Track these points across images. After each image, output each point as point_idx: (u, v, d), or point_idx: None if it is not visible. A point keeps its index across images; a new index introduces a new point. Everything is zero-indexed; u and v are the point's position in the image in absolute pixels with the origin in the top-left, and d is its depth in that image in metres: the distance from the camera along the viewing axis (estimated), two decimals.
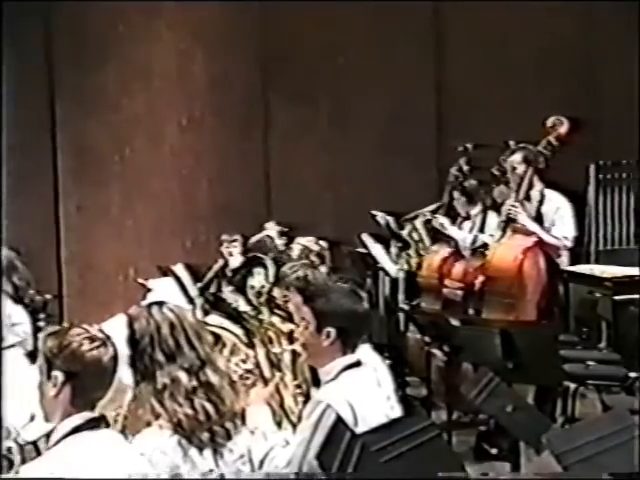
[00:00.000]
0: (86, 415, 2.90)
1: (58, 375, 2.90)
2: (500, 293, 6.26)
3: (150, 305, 3.41)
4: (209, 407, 3.26)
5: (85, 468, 2.79)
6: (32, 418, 3.28)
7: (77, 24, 9.68)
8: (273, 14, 9.59)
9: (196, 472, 3.23)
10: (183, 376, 3.25)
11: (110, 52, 9.70)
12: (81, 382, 2.91)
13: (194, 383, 3.27)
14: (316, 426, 3.51)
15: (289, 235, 8.48)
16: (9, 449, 3.65)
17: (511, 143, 6.80)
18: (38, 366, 2.97)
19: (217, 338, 3.96)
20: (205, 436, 3.25)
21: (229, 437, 3.31)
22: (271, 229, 8.71)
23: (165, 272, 7.65)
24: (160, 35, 9.78)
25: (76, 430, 2.87)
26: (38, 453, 3.97)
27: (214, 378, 3.31)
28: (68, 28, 9.73)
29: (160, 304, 3.42)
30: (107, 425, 2.95)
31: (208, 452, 3.27)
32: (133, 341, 3.29)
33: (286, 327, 3.86)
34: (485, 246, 6.79)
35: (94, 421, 2.90)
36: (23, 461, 3.74)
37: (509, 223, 6.50)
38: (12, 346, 5.05)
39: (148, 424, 3.19)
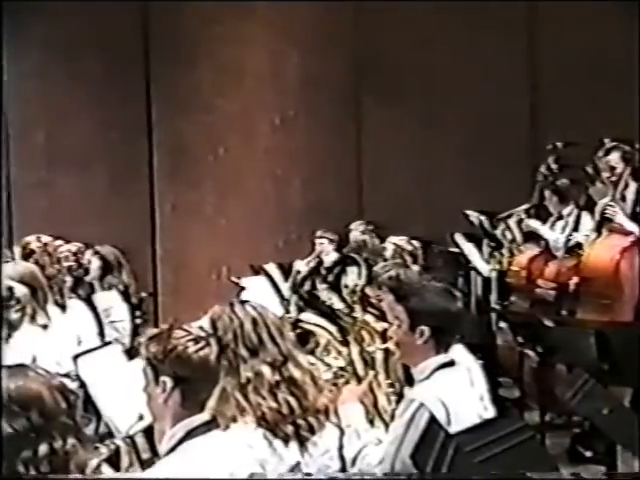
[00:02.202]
0: (199, 418, 2.88)
1: (167, 381, 2.87)
2: (596, 294, 6.17)
3: (232, 303, 3.46)
4: (292, 401, 3.29)
5: (203, 473, 2.79)
6: (141, 417, 3.33)
7: (173, 25, 9.83)
8: (366, 13, 9.60)
9: (283, 466, 3.26)
10: (266, 370, 3.29)
11: (205, 52, 9.83)
12: (190, 385, 2.87)
13: (277, 377, 3.30)
14: (409, 425, 3.51)
15: (381, 234, 8.49)
16: (117, 448, 3.71)
17: (606, 141, 6.69)
18: (142, 370, 2.94)
19: (311, 335, 3.99)
20: (289, 429, 3.27)
21: (313, 432, 3.34)
22: (358, 228, 8.73)
23: (257, 271, 7.72)
24: (254, 35, 9.87)
25: (190, 434, 2.85)
26: (135, 448, 4.04)
27: (297, 373, 3.34)
28: (164, 29, 9.88)
29: (242, 302, 3.48)
30: (217, 426, 2.94)
31: (294, 445, 3.30)
32: (216, 338, 3.33)
33: (379, 326, 3.87)
34: (579, 246, 6.69)
35: (207, 424, 2.88)
36: (130, 461, 3.80)
37: (605, 223, 6.40)
38: (109, 343, 5.15)
39: (234, 419, 3.23)
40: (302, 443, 3.31)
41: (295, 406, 3.29)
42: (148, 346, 2.93)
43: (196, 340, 2.92)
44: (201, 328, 3.02)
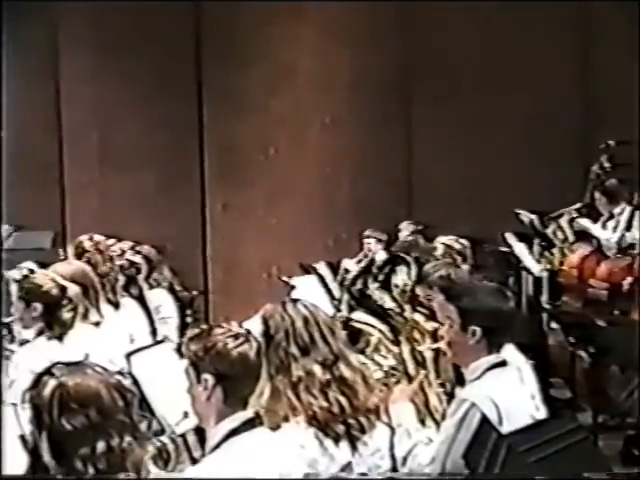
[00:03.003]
0: (242, 416, 2.90)
1: (208, 378, 2.89)
2: None
3: (284, 302, 3.48)
4: (343, 400, 3.30)
5: (247, 470, 2.81)
6: (186, 415, 3.36)
7: (225, 25, 9.89)
8: (416, 12, 9.58)
9: (334, 465, 3.27)
10: (317, 369, 3.31)
11: (256, 53, 9.87)
12: (231, 381, 2.90)
13: (328, 377, 3.32)
14: (460, 424, 3.51)
15: (430, 234, 8.47)
16: (164, 445, 3.74)
17: None
18: (184, 370, 2.98)
19: (361, 334, 4.00)
20: (340, 428, 3.29)
21: (363, 431, 3.35)
22: (408, 227, 8.71)
23: (307, 270, 7.72)
24: (304, 35, 9.89)
25: (234, 432, 2.87)
26: (187, 446, 4.07)
27: (347, 373, 3.35)
28: (216, 29, 9.94)
29: (294, 301, 3.50)
30: (261, 423, 2.96)
31: (345, 444, 3.30)
32: (268, 336, 3.35)
33: (429, 325, 3.87)
34: (631, 246, 6.64)
35: (250, 421, 2.90)
36: (177, 458, 3.83)
37: None
38: (162, 341, 5.19)
39: (285, 419, 3.25)
40: (353, 443, 3.32)
41: (346, 405, 3.30)
42: (189, 345, 2.96)
43: (235, 336, 2.94)
44: (241, 326, 3.04)
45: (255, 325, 3.35)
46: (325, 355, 3.35)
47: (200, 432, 3.79)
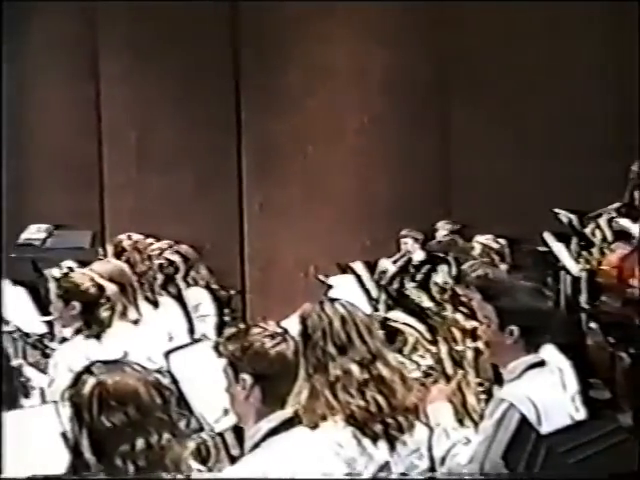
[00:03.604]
0: (281, 415, 2.91)
1: (246, 378, 2.91)
2: None
3: (322, 301, 3.48)
4: (381, 400, 3.30)
5: (286, 469, 2.82)
6: (226, 412, 3.37)
7: (262, 25, 9.91)
8: (452, 11, 9.55)
9: (372, 465, 3.27)
10: (355, 368, 3.31)
11: (293, 52, 9.89)
12: (269, 381, 2.91)
13: (365, 376, 3.31)
14: (499, 425, 3.50)
15: (467, 233, 8.44)
16: (203, 442, 3.76)
17: None
18: (223, 370, 2.99)
19: (399, 334, 4.00)
20: (378, 427, 3.29)
21: (401, 430, 3.34)
22: (445, 227, 8.69)
23: (344, 269, 7.72)
24: (341, 35, 9.90)
25: (273, 431, 2.88)
26: (225, 444, 4.09)
27: (385, 372, 3.35)
28: (254, 29, 9.97)
29: (332, 300, 3.50)
30: (300, 422, 2.97)
31: (382, 444, 3.30)
32: (305, 335, 3.36)
33: (469, 324, 3.85)
34: None
35: (289, 421, 2.91)
36: (216, 456, 3.84)
37: None
38: (200, 340, 5.22)
39: (323, 418, 3.25)
40: (391, 442, 3.31)
41: (384, 405, 3.30)
42: (226, 345, 2.97)
43: (272, 336, 2.95)
44: (278, 325, 3.05)
45: (293, 324, 3.35)
46: (363, 354, 3.35)
47: (238, 430, 3.81)
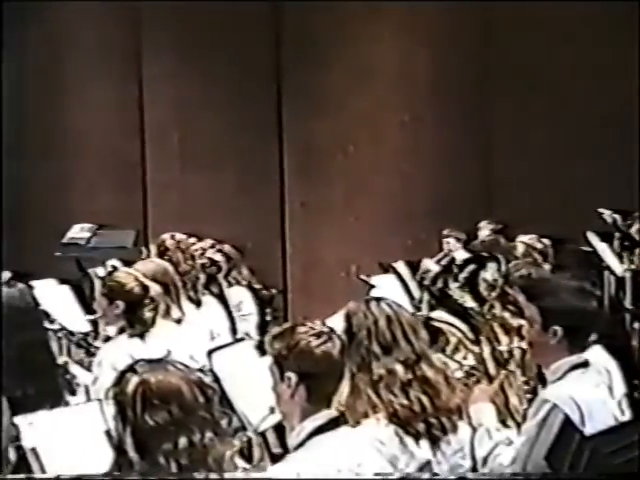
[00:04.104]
0: (327, 414, 2.91)
1: (291, 376, 2.91)
2: None
3: (368, 300, 3.48)
4: (424, 399, 3.29)
5: (331, 468, 2.82)
6: (272, 410, 3.37)
7: (304, 26, 9.93)
8: (494, 12, 9.51)
9: (414, 463, 3.26)
10: (399, 368, 3.30)
11: (335, 52, 9.89)
12: (315, 379, 2.91)
13: (409, 376, 3.30)
14: (542, 425, 3.47)
15: (510, 233, 8.39)
16: (249, 440, 3.77)
17: None
18: (269, 368, 3.00)
19: (441, 334, 3.98)
20: (421, 426, 3.28)
21: (444, 431, 3.33)
22: (487, 227, 8.65)
23: (386, 269, 7.71)
24: (383, 35, 9.89)
25: (319, 430, 2.89)
26: (266, 443, 4.10)
27: (429, 372, 3.34)
28: (296, 30, 9.99)
29: (378, 299, 3.49)
30: (346, 422, 2.97)
31: (425, 443, 3.29)
32: (350, 334, 3.35)
33: (516, 322, 3.83)
34: None
35: (335, 420, 2.91)
36: (261, 455, 3.85)
37: None
38: (242, 339, 5.23)
39: (365, 415, 3.25)
40: (434, 441, 3.31)
41: (427, 405, 3.29)
42: (272, 343, 2.98)
43: (318, 335, 2.95)
44: (324, 324, 3.04)
45: (338, 323, 3.35)
46: (407, 355, 3.34)
47: (279, 429, 3.82)
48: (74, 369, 4.82)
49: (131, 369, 2.73)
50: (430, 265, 7.93)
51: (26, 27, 10.42)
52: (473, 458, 3.44)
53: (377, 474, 2.93)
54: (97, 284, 5.30)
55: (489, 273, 4.40)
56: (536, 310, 3.63)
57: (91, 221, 9.94)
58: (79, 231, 9.75)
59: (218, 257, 7.09)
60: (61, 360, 4.81)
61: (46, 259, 8.76)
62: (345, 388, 3.13)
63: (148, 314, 4.73)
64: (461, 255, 8.03)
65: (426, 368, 3.34)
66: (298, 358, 2.92)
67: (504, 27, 9.52)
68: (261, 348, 4.44)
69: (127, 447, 2.63)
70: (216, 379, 4.10)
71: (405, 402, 3.27)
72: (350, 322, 3.38)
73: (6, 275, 7.25)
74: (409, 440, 3.27)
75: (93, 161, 10.44)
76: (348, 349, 3.22)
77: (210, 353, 4.23)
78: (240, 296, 6.82)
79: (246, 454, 3.79)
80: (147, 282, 4.79)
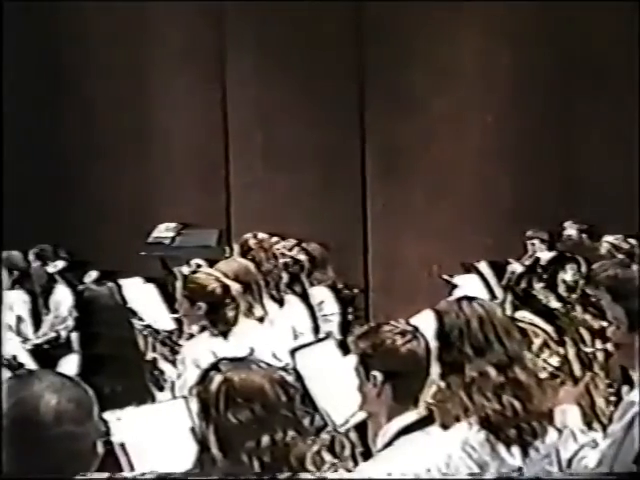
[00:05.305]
0: (414, 414, 2.91)
1: (377, 375, 2.92)
2: None
3: (460, 300, 3.43)
4: (517, 404, 3.23)
5: (419, 468, 2.81)
6: (354, 409, 3.37)
7: (387, 25, 9.92)
8: (575, 10, 9.40)
9: (504, 470, 3.22)
10: (492, 371, 3.24)
11: (417, 52, 9.86)
12: (401, 378, 2.92)
13: (502, 379, 3.25)
14: (628, 429, 3.41)
15: (594, 233, 8.28)
16: (332, 440, 3.77)
17: None
18: (354, 368, 3.00)
19: (525, 334, 3.94)
20: (512, 432, 3.22)
21: (535, 436, 3.27)
22: (572, 227, 8.54)
23: (468, 269, 7.66)
24: (465, 34, 9.83)
25: (406, 430, 2.89)
26: (350, 442, 4.09)
27: (522, 376, 3.27)
28: (378, 29, 9.98)
29: (470, 299, 3.44)
30: (432, 422, 2.96)
31: (516, 449, 3.24)
32: (442, 334, 3.31)
33: (598, 324, 3.77)
34: None
35: (422, 420, 2.91)
36: (342, 454, 3.85)
37: None
38: (324, 338, 5.24)
39: (456, 419, 3.21)
40: (524, 448, 3.24)
41: (519, 409, 3.22)
42: (357, 343, 2.97)
43: (403, 333, 2.93)
44: (408, 323, 3.02)
45: (423, 322, 3.31)
46: (500, 357, 3.27)
47: (360, 428, 3.81)
48: (162, 365, 4.89)
49: (215, 367, 2.76)
50: (514, 265, 7.86)
51: (112, 26, 10.57)
52: (558, 461, 3.40)
53: (471, 474, 2.92)
54: (179, 285, 5.36)
55: (569, 274, 4.33)
56: (622, 311, 3.57)
57: (175, 220, 10.05)
58: (164, 230, 9.86)
59: (301, 256, 7.12)
60: (149, 357, 4.88)
61: (132, 258, 8.88)
62: (437, 389, 3.10)
63: (230, 313, 4.77)
64: (546, 256, 7.94)
65: (519, 371, 3.27)
66: (383, 357, 2.93)
67: (585, 25, 9.39)
68: (344, 347, 4.44)
69: (210, 444, 2.66)
70: (299, 378, 4.12)
71: (497, 407, 3.19)
72: (442, 322, 3.32)
73: (94, 274, 7.39)
74: (500, 447, 3.21)
75: (177, 161, 10.56)
76: (439, 350, 3.18)
77: (293, 352, 4.25)
78: (322, 296, 6.84)
79: (333, 450, 3.79)
80: (228, 282, 4.83)
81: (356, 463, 3.54)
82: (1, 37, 9.99)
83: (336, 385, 4.01)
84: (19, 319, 7.19)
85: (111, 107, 10.57)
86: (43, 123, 10.57)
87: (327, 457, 2.82)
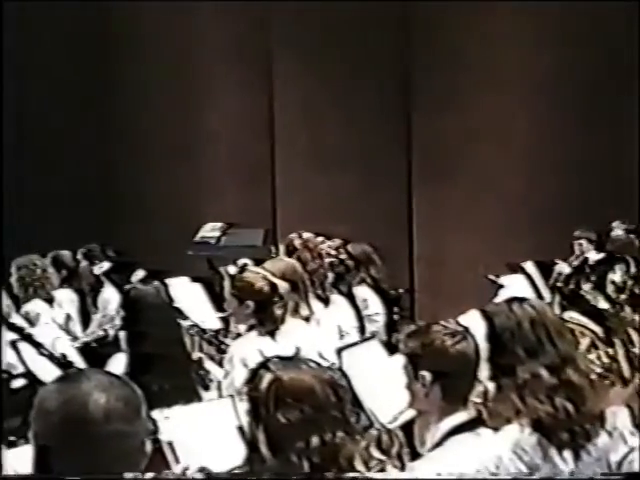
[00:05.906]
0: (464, 415, 2.90)
1: (426, 375, 2.92)
2: None
3: (510, 301, 3.39)
4: (569, 407, 3.18)
5: (469, 469, 2.80)
6: (401, 409, 3.36)
7: (433, 24, 9.90)
8: (615, 10, 9.33)
9: (555, 472, 3.19)
10: (544, 373, 3.19)
11: (463, 53, 9.83)
12: (450, 378, 2.90)
13: (555, 381, 3.21)
14: None
15: None
16: (378, 439, 3.77)
17: None
18: (403, 367, 2.99)
19: (574, 335, 3.90)
20: (565, 436, 3.17)
21: (588, 439, 3.23)
22: (620, 227, 8.46)
23: (514, 269, 7.61)
24: (510, 35, 9.78)
25: (456, 430, 2.88)
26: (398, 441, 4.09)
27: (575, 377, 3.22)
28: (425, 28, 9.97)
29: (521, 300, 3.40)
30: (482, 423, 2.95)
31: (568, 453, 3.20)
32: (493, 336, 3.27)
33: None
34: None
35: (473, 421, 2.89)
36: (389, 453, 3.85)
37: None
38: (370, 338, 5.24)
39: (508, 421, 3.18)
40: (576, 452, 3.20)
41: (572, 412, 3.18)
42: (406, 342, 2.97)
43: (453, 334, 2.92)
44: (458, 323, 3.00)
45: (471, 322, 3.28)
46: (552, 358, 3.22)
47: (405, 428, 3.80)
48: (208, 365, 4.91)
49: (264, 366, 2.76)
50: (561, 266, 7.80)
51: (160, 28, 10.64)
52: (608, 464, 3.36)
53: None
54: (227, 283, 5.38)
55: (617, 275, 4.28)
56: None
57: (221, 220, 10.09)
58: (210, 230, 9.91)
59: (345, 256, 7.12)
60: (195, 356, 4.90)
61: (178, 257, 8.93)
62: (489, 391, 3.07)
63: (278, 312, 4.78)
64: (594, 256, 7.87)
65: (571, 373, 3.22)
66: (432, 357, 2.92)
67: (627, 24, 9.31)
68: (390, 347, 4.44)
69: (260, 444, 2.66)
70: (345, 377, 4.12)
71: (550, 410, 3.15)
72: (492, 324, 3.28)
73: (141, 273, 7.45)
74: (553, 450, 3.17)
75: (224, 161, 10.60)
76: (490, 351, 3.15)
77: (339, 351, 4.25)
78: (367, 295, 6.83)
79: (380, 447, 3.79)
80: (275, 280, 4.84)
81: (402, 462, 3.53)
82: (1, 37, 10.00)
83: (382, 385, 4.01)
84: (68, 317, 7.26)
85: (159, 108, 10.64)
86: (91, 124, 10.67)
87: (375, 454, 2.81)
